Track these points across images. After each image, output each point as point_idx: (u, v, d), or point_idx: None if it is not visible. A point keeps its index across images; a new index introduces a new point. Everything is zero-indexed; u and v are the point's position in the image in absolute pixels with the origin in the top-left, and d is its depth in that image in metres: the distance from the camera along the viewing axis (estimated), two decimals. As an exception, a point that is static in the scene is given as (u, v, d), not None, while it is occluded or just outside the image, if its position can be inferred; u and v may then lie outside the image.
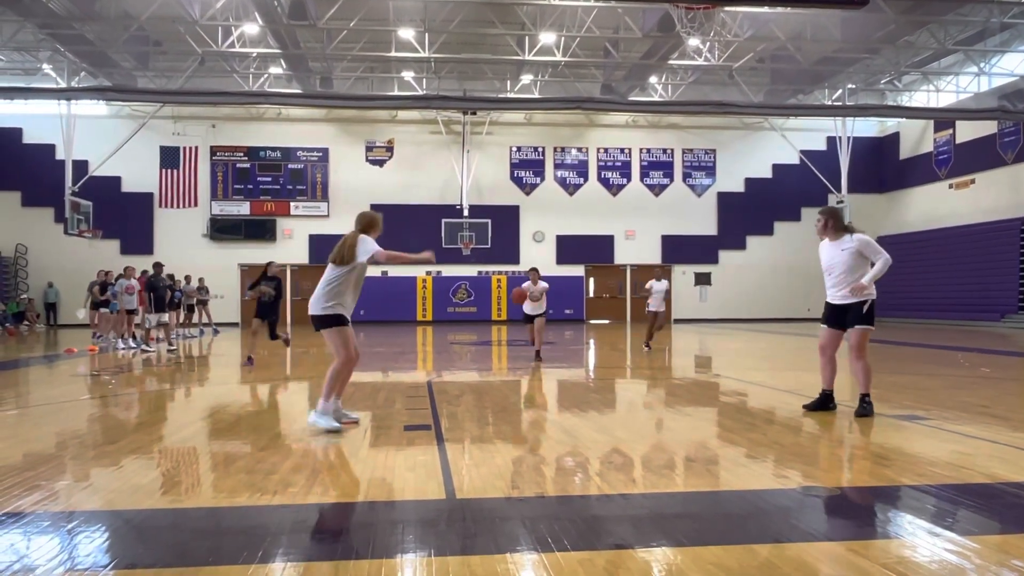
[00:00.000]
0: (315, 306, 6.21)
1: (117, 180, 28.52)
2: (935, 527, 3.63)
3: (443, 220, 29.64)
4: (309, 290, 29.89)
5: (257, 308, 12.49)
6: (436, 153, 30.13)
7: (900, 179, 31.68)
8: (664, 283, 15.23)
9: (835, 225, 6.86)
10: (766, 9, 21.11)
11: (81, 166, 26.07)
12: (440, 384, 9.71)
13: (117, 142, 26.33)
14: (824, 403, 6.99)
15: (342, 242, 6.34)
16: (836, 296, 6.83)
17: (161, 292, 15.99)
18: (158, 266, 16.33)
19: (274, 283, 12.44)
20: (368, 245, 6.28)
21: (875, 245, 6.74)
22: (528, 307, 12.86)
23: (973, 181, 28.00)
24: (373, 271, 29.86)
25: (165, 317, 16.43)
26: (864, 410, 6.72)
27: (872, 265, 6.60)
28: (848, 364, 6.94)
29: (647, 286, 15.23)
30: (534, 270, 13.06)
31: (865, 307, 6.68)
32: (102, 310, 17.56)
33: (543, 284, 12.85)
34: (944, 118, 27.90)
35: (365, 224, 6.61)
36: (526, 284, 12.84)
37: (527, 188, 30.89)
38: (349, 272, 6.24)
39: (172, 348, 16.08)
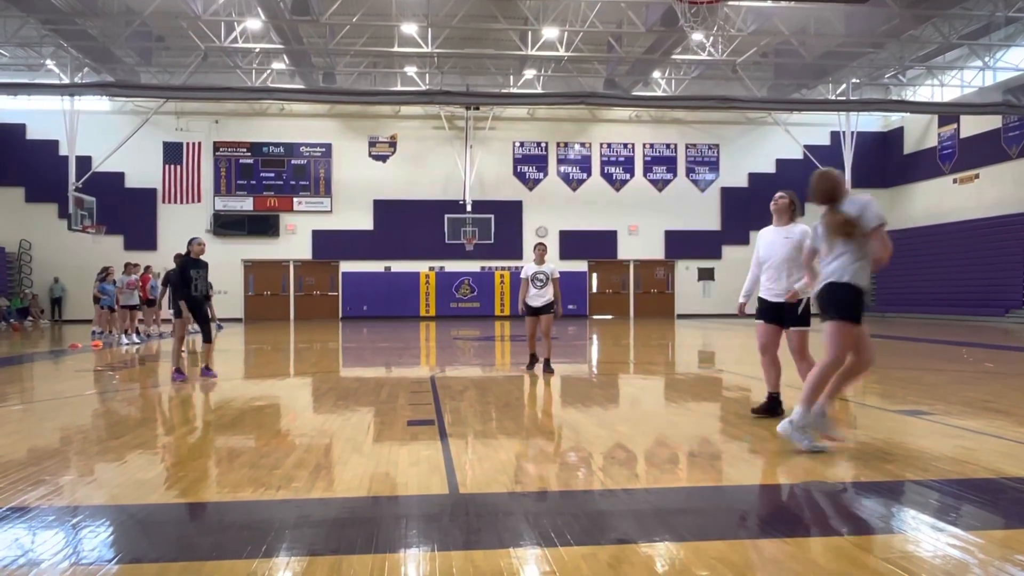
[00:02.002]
0: (842, 275, 4.91)
1: (120, 176, 28.54)
2: (939, 522, 3.63)
3: (446, 216, 29.62)
4: (313, 285, 30.26)
5: (190, 304, 9.61)
6: (439, 148, 30.11)
7: (904, 174, 31.58)
8: None
9: (790, 208, 6.35)
10: (770, 3, 21.05)
11: (84, 162, 26.08)
12: (443, 379, 9.71)
13: (120, 138, 26.34)
14: (773, 408, 6.46)
15: (837, 220, 4.92)
16: (771, 292, 6.28)
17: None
18: (179, 257, 14.62)
19: (203, 270, 9.77)
20: (875, 208, 4.87)
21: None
22: (532, 296, 9.99)
23: (977, 176, 27.90)
24: (377, 267, 29.90)
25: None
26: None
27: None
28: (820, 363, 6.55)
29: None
30: (540, 246, 10.26)
31: (800, 307, 6.16)
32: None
33: (552, 266, 10.08)
34: (948, 112, 27.80)
35: (828, 191, 5.05)
36: (528, 266, 10.10)
37: (530, 183, 30.85)
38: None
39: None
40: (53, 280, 28.34)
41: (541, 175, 30.94)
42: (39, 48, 24.54)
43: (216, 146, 29.52)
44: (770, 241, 6.34)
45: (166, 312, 19.83)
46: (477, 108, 28.52)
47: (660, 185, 31.42)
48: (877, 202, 4.99)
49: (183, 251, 13.91)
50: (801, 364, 6.27)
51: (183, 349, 10.03)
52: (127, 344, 16.35)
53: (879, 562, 3.08)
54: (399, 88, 27.18)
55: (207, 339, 9.89)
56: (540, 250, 10.19)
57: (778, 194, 6.47)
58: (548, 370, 10.01)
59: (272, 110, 29.60)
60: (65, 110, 25.57)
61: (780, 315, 6.27)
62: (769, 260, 6.30)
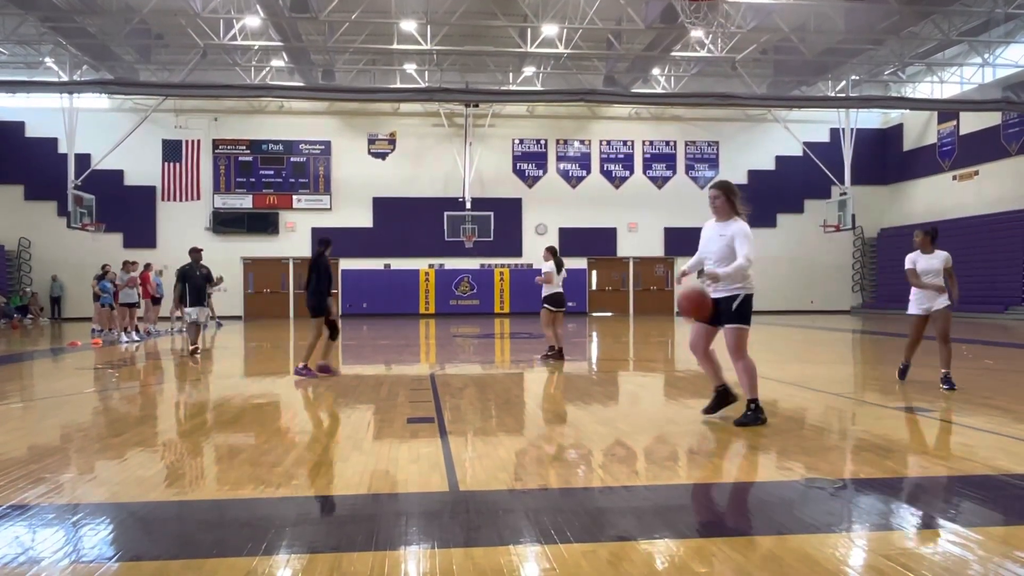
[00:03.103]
0: None
1: (119, 174, 28.52)
2: (938, 519, 3.63)
3: (445, 213, 29.61)
4: (312, 283, 30.17)
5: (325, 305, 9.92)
6: (438, 146, 30.08)
7: (904, 171, 31.57)
8: (940, 256, 8.18)
9: (728, 205, 5.98)
10: (769, 0, 21.02)
11: (83, 160, 26.05)
12: (443, 377, 9.72)
13: (119, 135, 26.30)
14: (721, 400, 6.17)
15: None
16: (708, 288, 6.04)
17: (197, 282, 13.08)
18: (195, 252, 13.38)
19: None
20: None
21: (745, 239, 5.81)
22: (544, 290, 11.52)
23: (977, 173, 27.89)
24: (377, 264, 29.88)
25: (200, 314, 13.21)
26: (746, 418, 5.88)
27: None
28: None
29: (909, 264, 8.26)
30: (546, 248, 11.79)
31: (736, 303, 5.84)
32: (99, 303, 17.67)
33: (543, 265, 11.48)
34: (948, 109, 27.77)
35: None
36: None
37: (529, 181, 30.83)
38: None
39: (196, 350, 12.91)
40: (51, 279, 28.31)
41: (541, 172, 30.91)
42: (38, 46, 24.49)
43: (215, 144, 29.48)
44: (708, 238, 6.11)
45: (166, 308, 19.50)
46: (476, 105, 28.49)
47: (659, 182, 31.40)
48: None
49: (197, 247, 13.64)
50: (736, 364, 6.00)
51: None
52: (127, 342, 16.36)
53: (879, 559, 3.08)
54: (398, 85, 27.14)
55: (334, 336, 9.91)
56: (543, 252, 11.62)
57: (712, 192, 6.08)
58: (558, 358, 11.29)
59: (271, 107, 29.56)
60: (64, 108, 25.53)
61: (716, 313, 5.96)
62: (706, 255, 6.13)
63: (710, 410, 6.24)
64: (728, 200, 5.98)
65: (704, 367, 6.24)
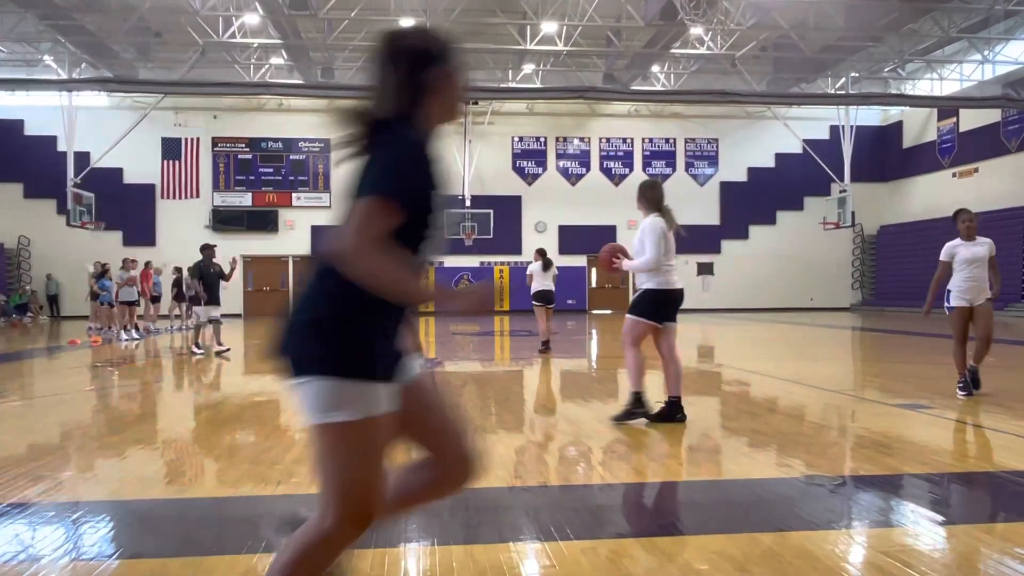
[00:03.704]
0: None
1: (119, 172, 28.47)
2: (938, 515, 3.64)
3: (445, 211, 29.58)
4: (311, 281, 30.25)
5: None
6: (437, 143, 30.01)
7: (903, 168, 31.54)
8: (984, 244, 7.70)
9: (642, 203, 6.14)
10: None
11: (83, 158, 26.00)
12: (442, 374, 9.72)
13: (118, 133, 26.25)
14: (672, 412, 5.85)
15: None
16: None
17: (212, 280, 13.08)
18: (207, 249, 13.23)
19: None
20: None
21: (648, 237, 5.88)
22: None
23: (976, 170, 27.87)
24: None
25: (216, 312, 13.29)
26: (621, 412, 5.85)
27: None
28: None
29: (945, 256, 7.83)
30: (536, 251, 12.67)
31: (636, 295, 6.03)
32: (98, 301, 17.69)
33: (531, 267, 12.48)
34: (948, 106, 27.74)
35: None
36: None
37: (529, 178, 30.81)
38: None
39: (226, 349, 13.11)
40: (46, 277, 28.27)
41: (540, 170, 30.89)
42: (37, 44, 24.45)
43: (214, 141, 29.45)
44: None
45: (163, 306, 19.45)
46: (476, 103, 28.43)
47: (659, 180, 31.36)
48: None
49: (209, 244, 13.42)
50: (624, 350, 6.04)
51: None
52: (126, 340, 16.36)
53: (878, 555, 3.08)
54: (398, 83, 27.08)
55: None
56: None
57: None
58: (544, 350, 12.01)
59: (270, 105, 29.53)
60: (63, 106, 25.48)
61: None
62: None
63: (655, 416, 5.92)
64: (641, 196, 6.19)
65: (665, 370, 6.07)
